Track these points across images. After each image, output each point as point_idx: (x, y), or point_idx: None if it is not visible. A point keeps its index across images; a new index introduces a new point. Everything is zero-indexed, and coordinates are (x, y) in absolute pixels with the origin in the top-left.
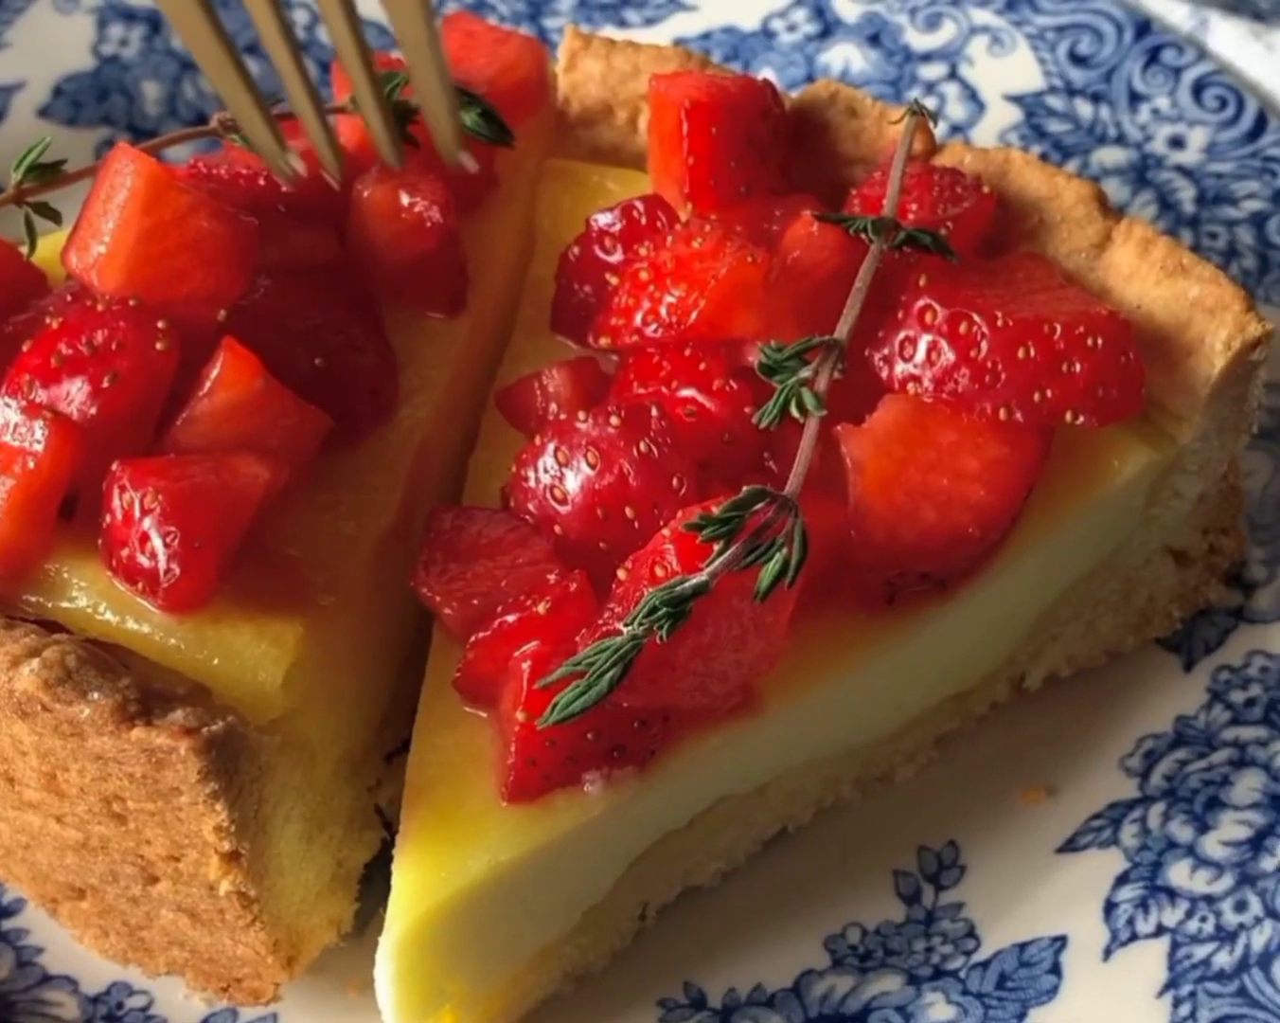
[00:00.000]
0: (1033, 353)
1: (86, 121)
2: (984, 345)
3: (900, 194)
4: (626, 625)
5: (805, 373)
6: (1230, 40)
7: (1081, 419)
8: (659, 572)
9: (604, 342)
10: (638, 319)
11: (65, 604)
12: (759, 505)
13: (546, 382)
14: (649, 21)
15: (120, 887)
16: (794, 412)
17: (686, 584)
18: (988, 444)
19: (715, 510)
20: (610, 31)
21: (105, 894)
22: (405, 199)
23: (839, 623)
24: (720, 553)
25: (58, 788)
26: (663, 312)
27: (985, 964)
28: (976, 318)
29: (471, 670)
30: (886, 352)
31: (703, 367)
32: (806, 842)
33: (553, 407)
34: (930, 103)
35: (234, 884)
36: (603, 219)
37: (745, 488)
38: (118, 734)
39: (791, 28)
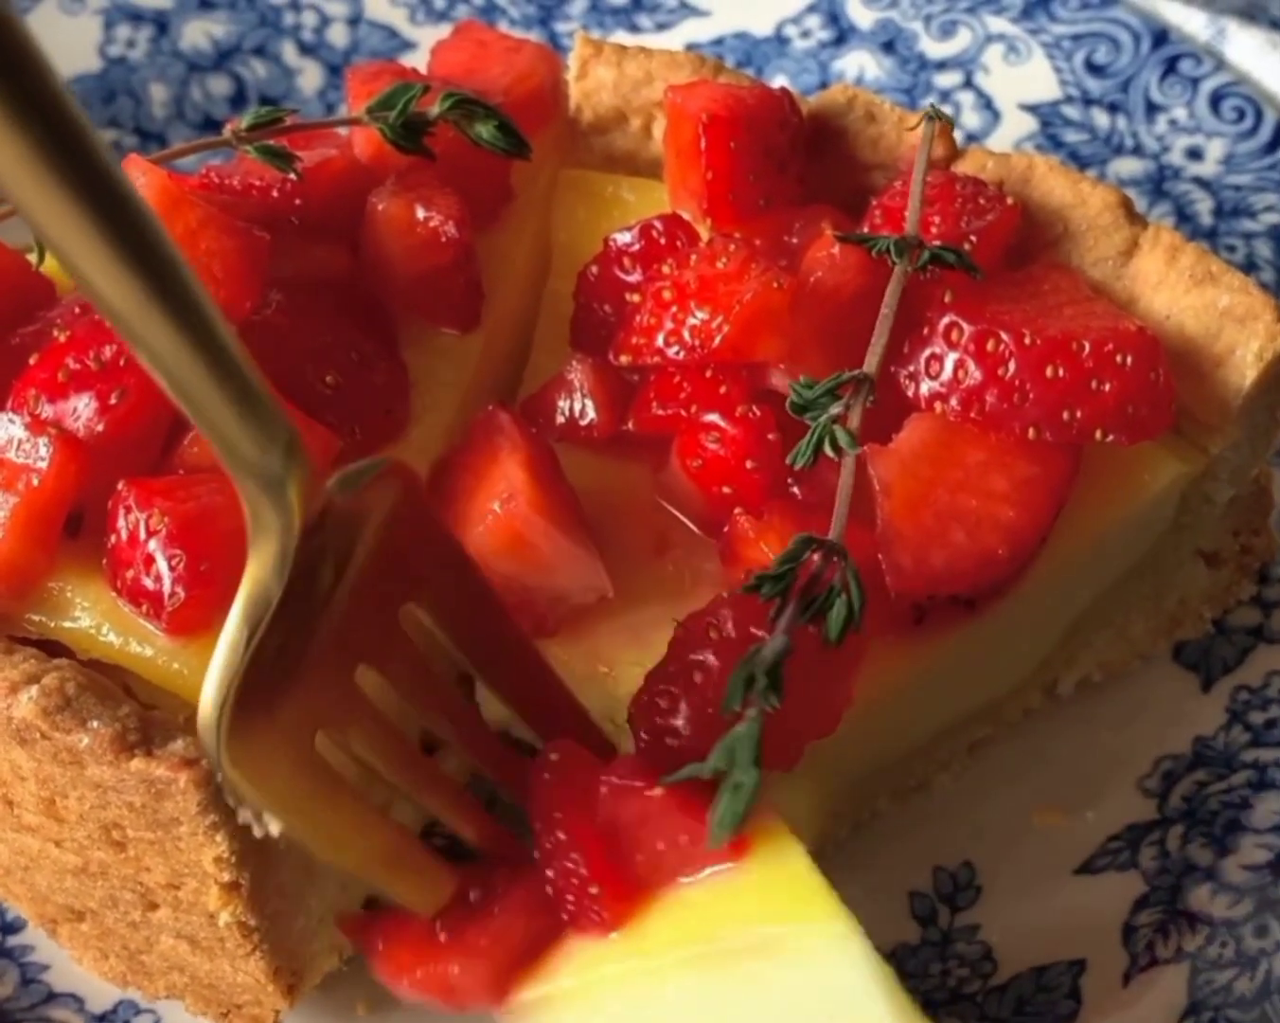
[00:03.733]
0: (1061, 372)
1: (92, 124)
2: (1012, 364)
3: (922, 206)
4: (726, 712)
5: (836, 409)
6: (1248, 50)
7: (1111, 438)
8: (713, 635)
9: (624, 359)
10: (659, 340)
11: (68, 624)
12: (807, 553)
13: (571, 375)
14: (661, 27)
15: (120, 912)
16: (828, 450)
17: (766, 650)
18: (1016, 463)
19: (771, 565)
20: (621, 37)
21: (104, 918)
22: (420, 213)
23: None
24: (781, 609)
25: (57, 814)
26: (685, 334)
27: (1003, 989)
28: (1004, 336)
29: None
30: (912, 368)
31: (723, 390)
32: (820, 861)
33: (579, 407)
34: (945, 111)
35: (234, 915)
36: (622, 239)
37: (794, 537)
38: (117, 764)
39: (805, 34)
